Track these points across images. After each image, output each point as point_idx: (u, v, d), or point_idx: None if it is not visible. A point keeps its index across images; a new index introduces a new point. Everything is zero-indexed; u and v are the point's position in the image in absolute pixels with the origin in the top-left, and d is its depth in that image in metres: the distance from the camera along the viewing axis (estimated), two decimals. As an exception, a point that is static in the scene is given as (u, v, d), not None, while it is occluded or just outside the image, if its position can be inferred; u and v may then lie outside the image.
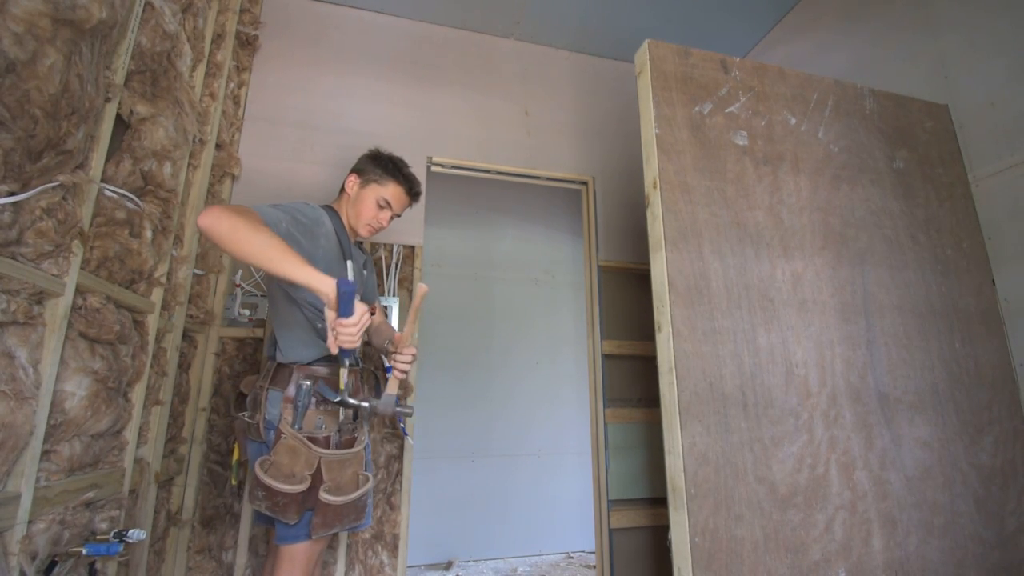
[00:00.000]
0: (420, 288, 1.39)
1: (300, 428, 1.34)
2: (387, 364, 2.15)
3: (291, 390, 1.37)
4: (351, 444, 1.39)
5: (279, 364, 1.44)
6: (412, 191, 1.61)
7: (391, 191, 1.56)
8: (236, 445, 1.60)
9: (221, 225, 1.08)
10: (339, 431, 1.39)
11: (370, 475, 1.41)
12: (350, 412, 1.41)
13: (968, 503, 1.40)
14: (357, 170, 1.58)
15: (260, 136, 2.25)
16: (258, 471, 1.27)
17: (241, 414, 1.49)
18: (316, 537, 1.31)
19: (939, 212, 1.65)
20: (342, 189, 1.60)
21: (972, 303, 1.59)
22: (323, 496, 1.29)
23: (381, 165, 1.57)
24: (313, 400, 1.37)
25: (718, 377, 1.25)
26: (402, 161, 1.62)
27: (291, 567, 1.33)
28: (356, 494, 1.34)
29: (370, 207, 1.54)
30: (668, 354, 1.24)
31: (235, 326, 2.06)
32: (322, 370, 1.42)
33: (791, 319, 1.36)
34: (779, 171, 1.48)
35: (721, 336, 1.28)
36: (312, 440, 1.33)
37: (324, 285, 1.10)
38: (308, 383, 1.37)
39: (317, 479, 1.31)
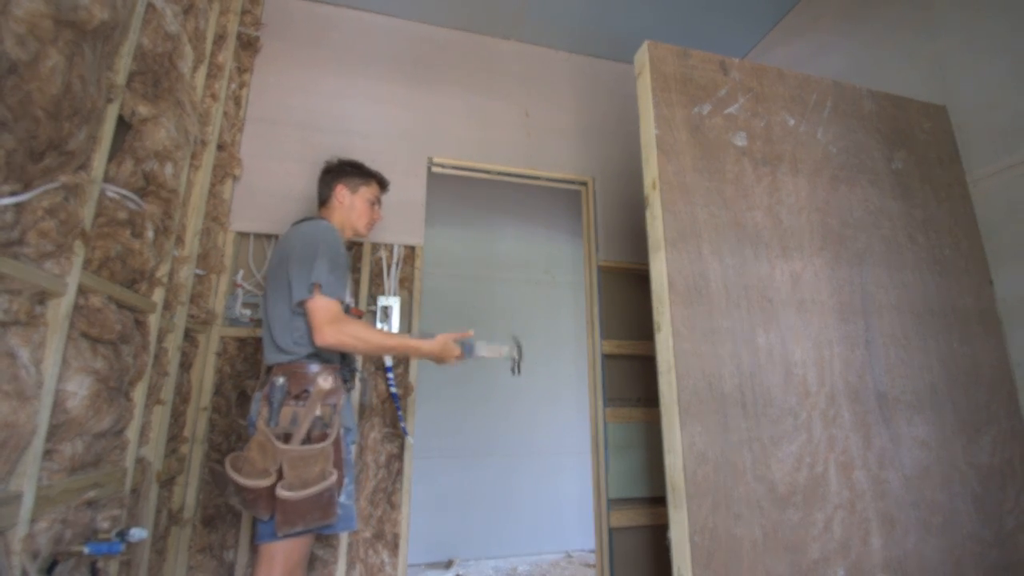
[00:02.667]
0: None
1: (276, 424, 1.35)
2: (387, 364, 2.16)
3: (267, 388, 1.40)
4: (321, 439, 1.36)
5: (268, 368, 1.49)
6: (384, 183, 1.80)
7: (375, 189, 1.75)
8: None
9: (348, 344, 1.38)
10: (312, 427, 1.37)
11: (335, 471, 1.35)
12: (328, 409, 1.40)
13: (966, 502, 1.40)
14: (341, 181, 1.69)
15: (261, 137, 2.25)
16: (227, 466, 1.29)
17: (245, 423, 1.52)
18: (283, 535, 1.29)
19: (937, 212, 1.66)
20: (327, 201, 1.69)
21: (970, 303, 1.59)
22: (279, 492, 1.26)
23: (357, 170, 1.72)
24: (286, 396, 1.39)
25: (717, 377, 1.25)
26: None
27: (268, 567, 1.32)
28: (309, 490, 1.29)
29: (366, 208, 1.72)
30: (667, 354, 1.24)
31: (236, 326, 2.06)
32: (293, 366, 1.43)
33: (790, 319, 1.37)
34: (778, 172, 1.49)
35: (720, 336, 1.28)
36: (285, 436, 1.33)
37: (435, 347, 1.53)
38: (282, 379, 1.40)
39: (280, 475, 1.30)
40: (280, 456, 1.30)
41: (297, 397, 1.39)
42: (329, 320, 1.36)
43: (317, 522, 1.32)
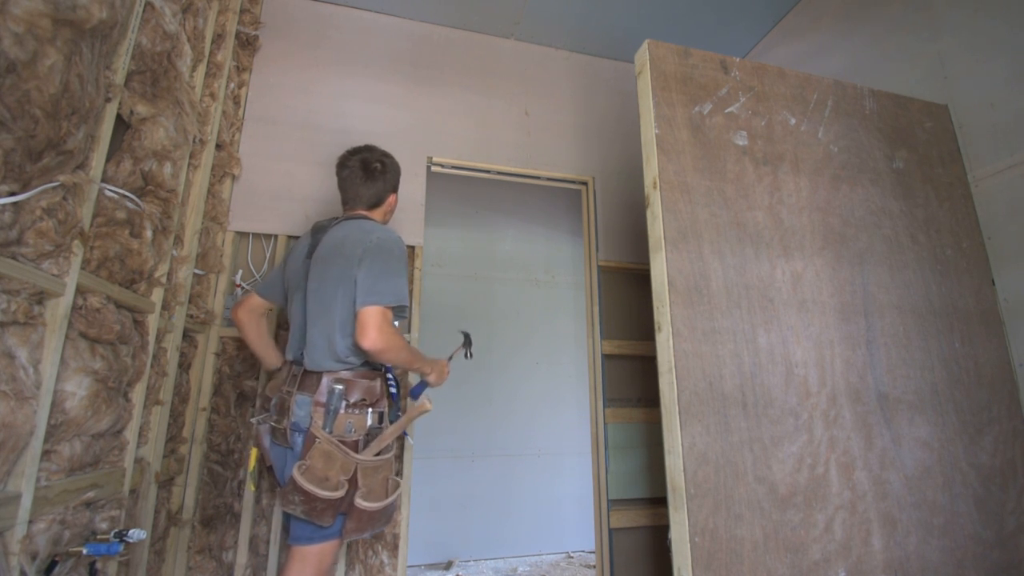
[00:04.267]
0: (422, 405, 1.55)
1: (331, 432, 1.36)
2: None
3: (322, 395, 1.39)
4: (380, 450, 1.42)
5: (306, 371, 1.44)
6: None
7: None
8: (253, 452, 1.54)
9: (386, 351, 1.38)
10: (367, 435, 1.41)
11: (400, 480, 1.45)
12: (376, 417, 1.45)
13: (968, 503, 1.40)
14: (395, 191, 1.70)
15: (260, 136, 2.25)
16: (298, 477, 1.28)
17: (260, 418, 1.50)
18: (347, 540, 1.36)
19: (939, 212, 1.65)
20: (379, 204, 1.66)
21: (972, 303, 1.59)
22: (359, 502, 1.32)
23: (399, 172, 1.71)
24: (343, 404, 1.39)
25: (718, 377, 1.25)
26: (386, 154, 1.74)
27: (301, 567, 1.33)
28: (389, 500, 1.39)
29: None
30: (668, 354, 1.24)
31: (235, 326, 2.06)
32: (347, 374, 1.44)
33: (791, 319, 1.36)
34: (779, 171, 1.48)
35: (721, 336, 1.28)
36: (344, 444, 1.35)
37: (435, 369, 1.71)
38: (340, 387, 1.40)
39: (353, 484, 1.34)
40: (352, 465, 1.34)
41: (354, 405, 1.41)
42: (378, 326, 1.36)
43: (380, 527, 1.40)
